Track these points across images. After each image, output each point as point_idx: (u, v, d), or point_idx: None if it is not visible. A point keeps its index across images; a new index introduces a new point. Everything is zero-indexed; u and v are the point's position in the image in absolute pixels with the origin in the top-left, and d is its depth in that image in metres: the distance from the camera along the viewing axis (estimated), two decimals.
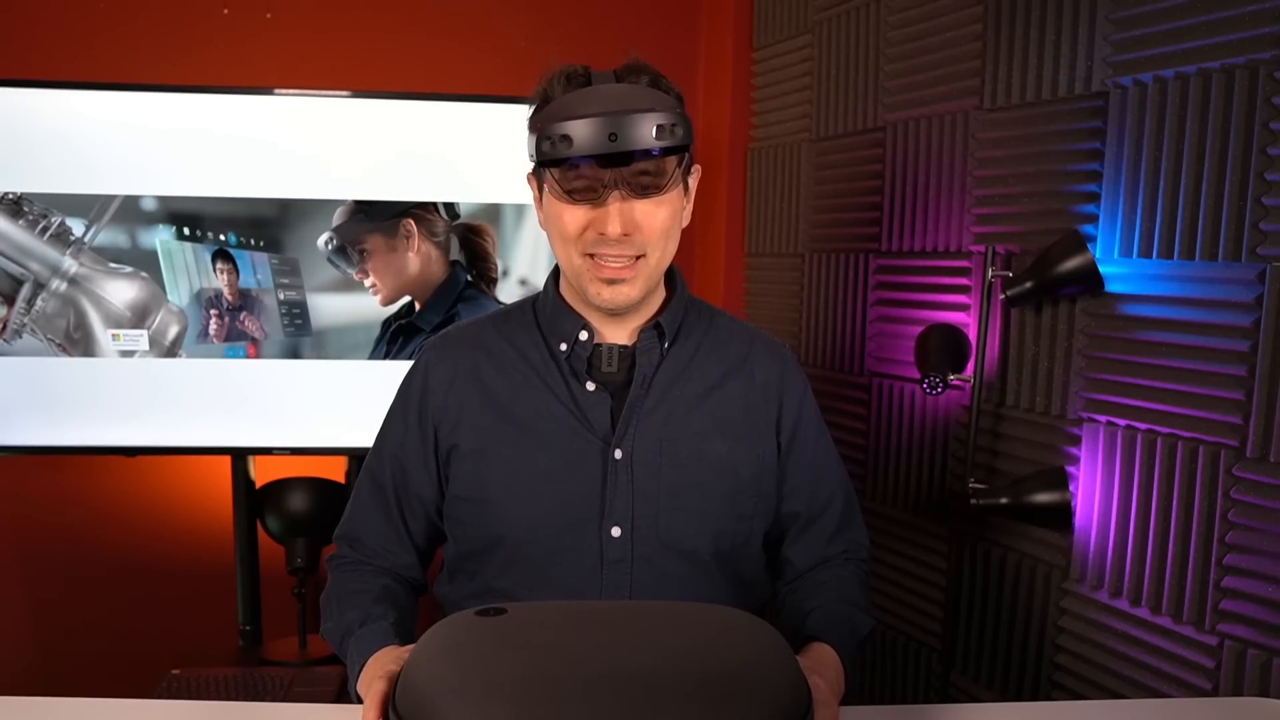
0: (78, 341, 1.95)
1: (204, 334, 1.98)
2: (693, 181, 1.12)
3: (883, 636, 2.05)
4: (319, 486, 2.06)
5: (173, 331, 1.97)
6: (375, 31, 2.29)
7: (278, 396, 2.01)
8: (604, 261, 1.06)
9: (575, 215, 1.05)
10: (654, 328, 1.14)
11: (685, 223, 1.12)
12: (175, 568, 2.34)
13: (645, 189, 1.03)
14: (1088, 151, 1.53)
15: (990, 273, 1.66)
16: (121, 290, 1.94)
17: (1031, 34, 1.61)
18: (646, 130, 0.99)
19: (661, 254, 1.08)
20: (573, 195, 1.04)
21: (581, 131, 0.98)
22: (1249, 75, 1.29)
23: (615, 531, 1.10)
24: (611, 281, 1.07)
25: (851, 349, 2.11)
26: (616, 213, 1.02)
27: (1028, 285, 1.58)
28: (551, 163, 1.03)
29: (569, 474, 1.11)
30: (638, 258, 1.06)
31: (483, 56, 2.33)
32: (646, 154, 1.01)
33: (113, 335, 1.95)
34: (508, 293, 2.04)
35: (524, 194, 1.16)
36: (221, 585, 2.21)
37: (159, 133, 1.92)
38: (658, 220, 1.05)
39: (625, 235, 1.03)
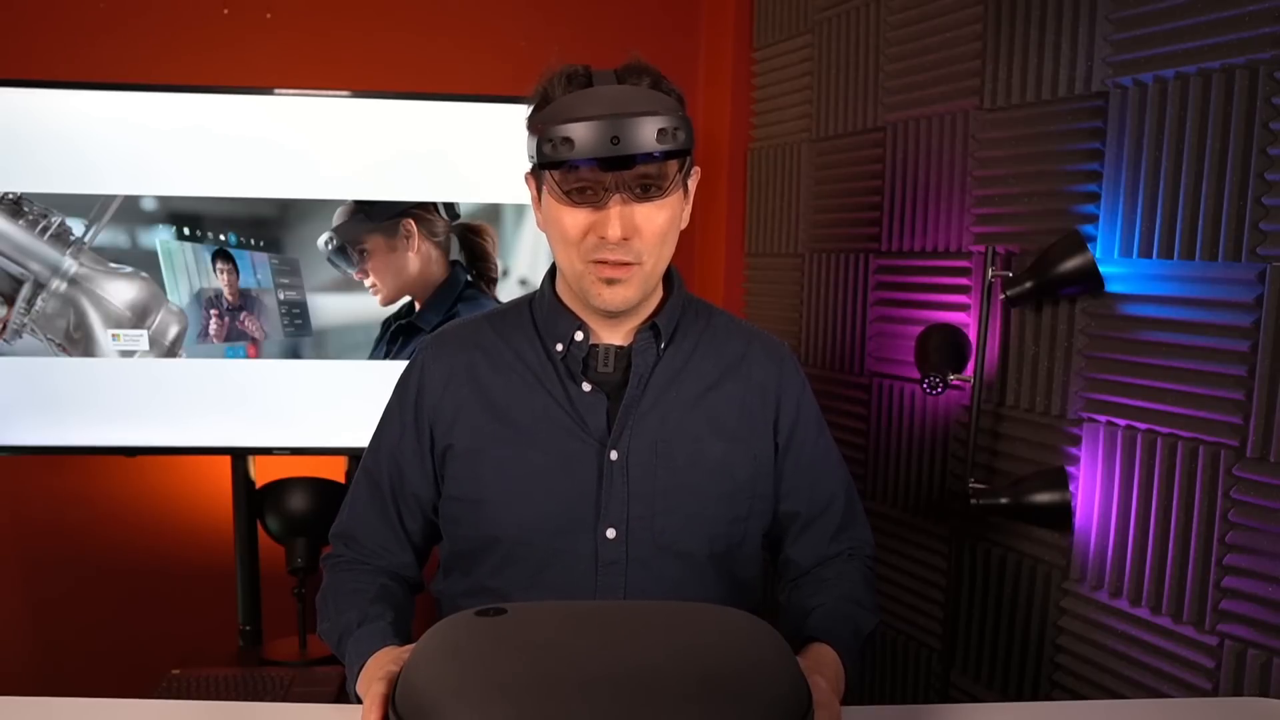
0: (78, 341, 1.95)
1: (204, 334, 1.98)
2: (692, 184, 1.12)
3: (883, 636, 2.05)
4: (319, 486, 2.06)
5: (173, 331, 1.97)
6: (375, 31, 2.29)
7: (278, 396, 2.01)
8: (603, 264, 1.06)
9: (575, 218, 1.04)
10: (650, 328, 1.14)
11: (684, 225, 1.11)
12: (175, 568, 2.34)
13: (646, 191, 1.03)
14: (1088, 151, 1.53)
15: (990, 273, 1.66)
16: (121, 290, 1.94)
17: (1031, 34, 1.61)
18: (649, 134, 0.98)
19: (658, 259, 1.08)
20: (573, 197, 1.03)
21: (583, 134, 0.98)
22: (1249, 75, 1.29)
23: (610, 533, 1.10)
24: (610, 281, 1.06)
25: (851, 349, 2.11)
26: (617, 216, 1.02)
27: (1028, 285, 1.58)
28: (552, 165, 1.02)
29: (564, 475, 1.11)
30: (634, 264, 1.06)
31: (483, 56, 2.33)
32: (648, 157, 1.00)
33: (113, 335, 1.95)
34: (508, 293, 2.04)
35: (524, 194, 1.16)
36: (221, 585, 2.21)
37: (159, 133, 1.92)
38: (657, 224, 1.05)
39: (625, 239, 1.03)
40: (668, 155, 1.01)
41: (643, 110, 0.99)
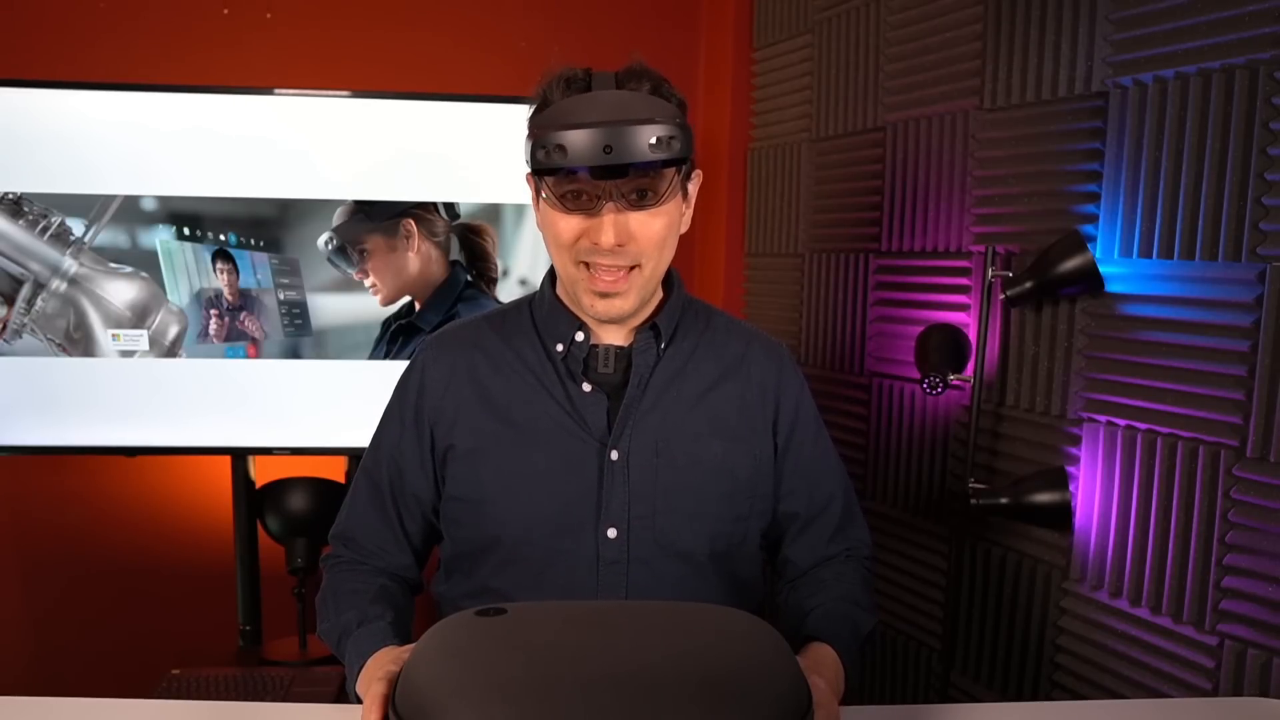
0: (78, 341, 1.95)
1: (204, 334, 1.98)
2: (693, 187, 1.11)
3: (883, 636, 2.05)
4: (319, 486, 2.06)
5: (173, 331, 1.97)
6: (375, 31, 2.29)
7: (278, 396, 2.01)
8: (598, 273, 1.05)
9: (569, 224, 1.04)
10: (650, 329, 1.14)
11: (684, 228, 1.11)
12: (175, 568, 2.34)
13: (642, 199, 1.02)
14: (1088, 151, 1.53)
15: (990, 273, 1.66)
16: (121, 290, 1.94)
17: (1031, 34, 1.61)
18: (643, 143, 0.96)
19: (656, 264, 1.07)
20: (566, 203, 1.03)
21: (577, 142, 0.96)
22: (1249, 75, 1.29)
23: (611, 533, 1.10)
24: (605, 295, 1.06)
25: (851, 349, 2.11)
26: (610, 223, 1.01)
27: (1028, 285, 1.58)
28: (545, 171, 1.01)
29: (565, 475, 1.11)
30: (631, 268, 1.06)
31: (483, 56, 2.33)
32: (644, 166, 0.99)
33: (113, 335, 1.95)
34: (508, 293, 2.04)
35: (524, 194, 1.16)
36: (221, 585, 2.21)
37: (159, 133, 1.92)
38: (653, 231, 1.04)
39: (619, 246, 1.02)
40: (664, 164, 1.00)
41: (638, 118, 0.97)
